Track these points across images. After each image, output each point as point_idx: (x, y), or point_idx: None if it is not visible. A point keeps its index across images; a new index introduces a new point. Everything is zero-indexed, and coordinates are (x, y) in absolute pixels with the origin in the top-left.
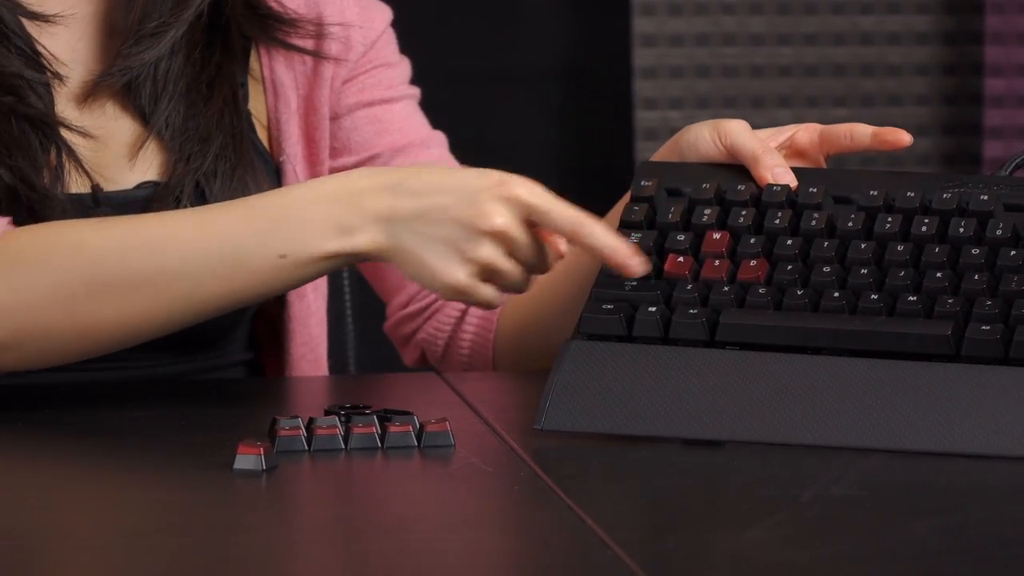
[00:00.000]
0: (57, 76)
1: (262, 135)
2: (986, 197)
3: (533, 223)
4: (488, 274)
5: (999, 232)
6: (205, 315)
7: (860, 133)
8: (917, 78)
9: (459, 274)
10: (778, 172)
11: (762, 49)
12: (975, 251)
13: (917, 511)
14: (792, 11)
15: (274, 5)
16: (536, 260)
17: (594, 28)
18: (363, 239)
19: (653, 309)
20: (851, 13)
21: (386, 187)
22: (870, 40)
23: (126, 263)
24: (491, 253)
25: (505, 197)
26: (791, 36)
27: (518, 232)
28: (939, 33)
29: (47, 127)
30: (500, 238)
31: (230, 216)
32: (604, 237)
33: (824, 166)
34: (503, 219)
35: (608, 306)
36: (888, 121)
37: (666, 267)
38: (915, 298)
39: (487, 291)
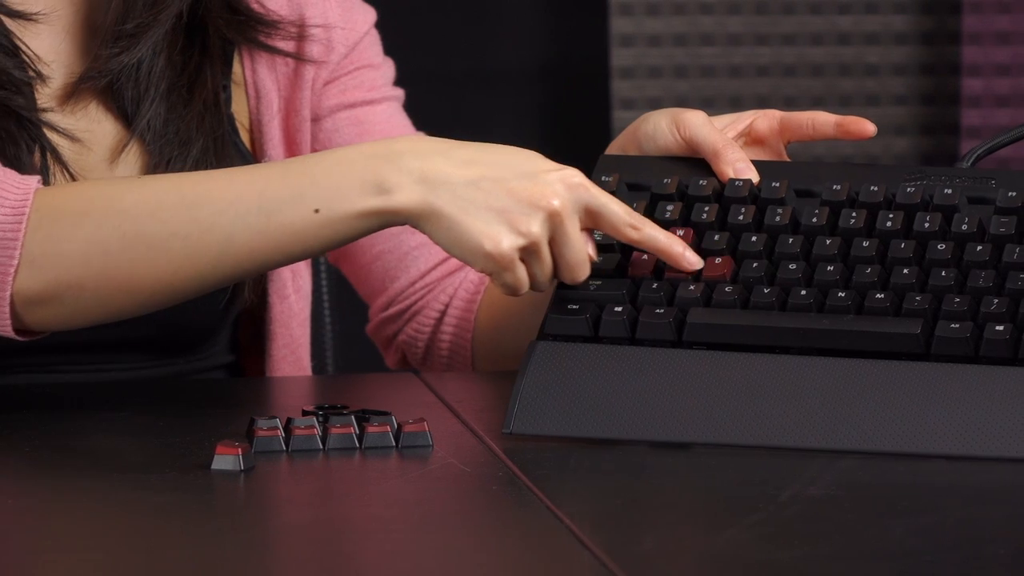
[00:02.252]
0: (39, 76)
1: (245, 138)
2: (950, 191)
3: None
4: (527, 255)
5: (964, 227)
6: (239, 273)
7: (822, 122)
8: (895, 78)
9: (504, 243)
10: (739, 167)
11: (740, 49)
12: (941, 246)
13: (894, 511)
14: (770, 11)
15: (255, 7)
16: (574, 257)
17: (572, 28)
18: (401, 197)
19: (619, 309)
20: (829, 13)
21: (432, 151)
22: (848, 40)
23: (159, 217)
24: (541, 232)
25: (567, 182)
26: (769, 36)
27: (571, 219)
28: (917, 33)
29: (32, 126)
30: (554, 220)
31: (267, 171)
32: (659, 233)
33: (784, 154)
34: (561, 201)
35: (573, 306)
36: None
37: (630, 265)
38: (883, 295)
39: (521, 272)
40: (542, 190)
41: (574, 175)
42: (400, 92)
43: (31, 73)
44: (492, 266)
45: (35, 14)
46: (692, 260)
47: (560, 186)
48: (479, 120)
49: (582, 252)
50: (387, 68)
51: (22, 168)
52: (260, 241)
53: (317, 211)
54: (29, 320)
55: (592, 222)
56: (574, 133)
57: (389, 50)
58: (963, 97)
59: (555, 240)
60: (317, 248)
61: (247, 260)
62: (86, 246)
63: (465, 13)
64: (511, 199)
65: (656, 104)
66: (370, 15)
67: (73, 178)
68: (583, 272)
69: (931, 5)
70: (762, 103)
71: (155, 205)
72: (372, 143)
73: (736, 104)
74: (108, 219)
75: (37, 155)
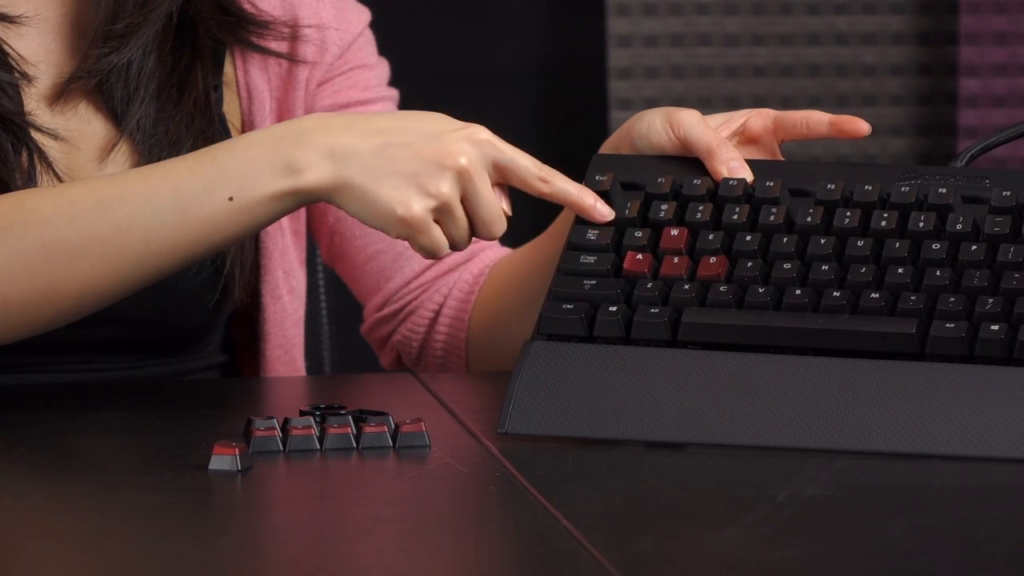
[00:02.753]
0: (25, 77)
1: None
2: (944, 190)
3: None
4: (440, 216)
5: (959, 226)
6: (162, 270)
7: (816, 121)
8: (892, 78)
9: (415, 206)
10: (733, 166)
11: (737, 49)
12: (936, 246)
13: (891, 511)
14: (767, 11)
15: (247, 7)
16: (488, 213)
17: (569, 28)
18: (311, 176)
19: (614, 309)
20: (826, 13)
21: (338, 126)
22: (845, 40)
23: (78, 223)
24: (451, 191)
25: (472, 139)
26: (766, 36)
27: (480, 175)
28: (914, 33)
29: (18, 128)
30: (463, 177)
31: (178, 166)
32: (570, 185)
33: (778, 153)
34: (468, 159)
35: (568, 306)
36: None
37: (625, 264)
38: (878, 295)
39: (437, 233)
40: (448, 149)
41: (480, 131)
42: (395, 92)
43: (16, 75)
44: (406, 230)
45: (20, 16)
46: (603, 211)
47: (466, 144)
48: (475, 120)
49: (495, 208)
50: (381, 68)
51: (9, 170)
52: (179, 236)
53: (231, 199)
54: None
55: (501, 177)
56: (571, 133)
57: (385, 50)
58: (960, 97)
59: (467, 198)
60: (238, 235)
61: (169, 255)
62: (7, 261)
63: (461, 13)
64: (418, 162)
65: (653, 104)
66: (364, 15)
67: (60, 179)
68: (499, 228)
69: (928, 5)
70: (759, 103)
71: (72, 212)
72: (281, 124)
73: (733, 104)
74: (28, 231)
75: (24, 157)
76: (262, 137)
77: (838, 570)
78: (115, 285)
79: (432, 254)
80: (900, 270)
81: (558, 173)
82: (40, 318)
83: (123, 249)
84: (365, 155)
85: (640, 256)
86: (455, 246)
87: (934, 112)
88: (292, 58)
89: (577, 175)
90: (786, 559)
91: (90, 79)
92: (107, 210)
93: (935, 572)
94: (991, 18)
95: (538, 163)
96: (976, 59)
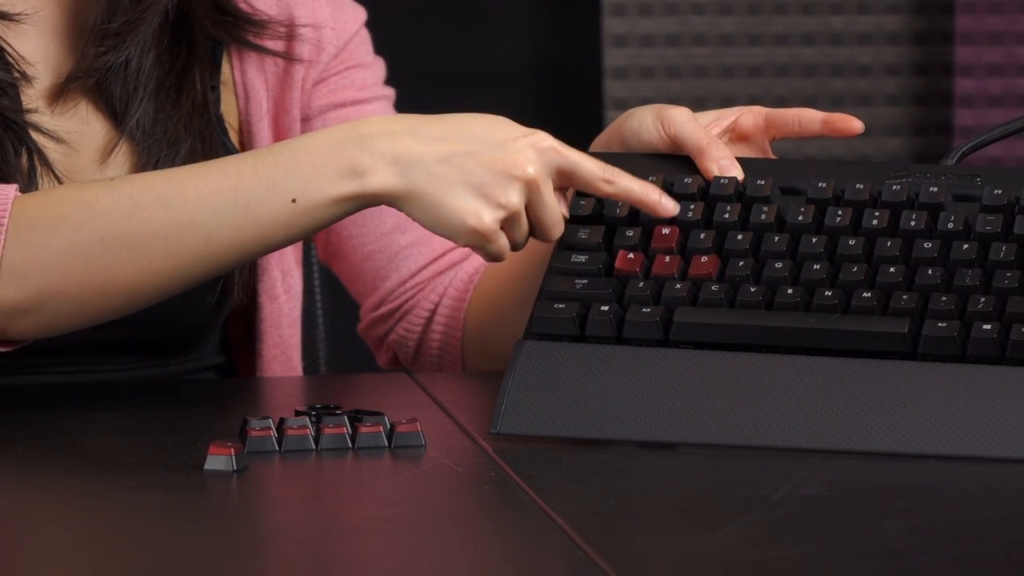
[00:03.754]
0: (24, 76)
1: (234, 138)
2: (936, 188)
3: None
4: (506, 223)
5: (951, 225)
6: (219, 268)
7: (809, 119)
8: (888, 78)
9: (487, 217)
10: (724, 164)
11: (733, 49)
12: (927, 244)
13: (887, 511)
14: (762, 11)
15: (243, 7)
16: (550, 218)
17: (565, 28)
18: (376, 180)
19: (606, 308)
20: (821, 13)
21: (400, 131)
22: (840, 40)
23: (137, 218)
24: (519, 201)
25: (537, 147)
26: (761, 36)
27: (546, 183)
28: (909, 33)
29: (18, 128)
30: (530, 187)
31: (240, 165)
32: (634, 184)
33: (769, 151)
34: (535, 168)
35: (560, 305)
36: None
37: (616, 264)
38: (870, 294)
39: (503, 240)
40: (515, 159)
41: (544, 139)
42: (391, 91)
43: (15, 74)
44: (476, 240)
45: (19, 14)
46: (668, 206)
47: (532, 152)
48: None
49: (557, 213)
50: (377, 67)
51: (9, 171)
52: (239, 235)
53: (294, 201)
54: (12, 330)
55: (565, 181)
56: (567, 133)
57: (382, 50)
58: (956, 97)
59: (531, 205)
60: (296, 236)
61: (227, 254)
62: (65, 253)
63: (458, 13)
64: (486, 172)
65: (648, 104)
66: (360, 14)
67: (60, 180)
68: (559, 231)
69: (924, 5)
70: (754, 103)
71: (131, 206)
72: (339, 127)
73: (728, 104)
74: (86, 224)
75: (24, 158)
76: (324, 140)
77: (833, 570)
78: (172, 280)
79: (497, 259)
80: (892, 269)
81: (622, 172)
82: (95, 309)
83: (182, 246)
84: (431, 163)
85: (631, 255)
86: (514, 248)
87: (930, 112)
88: (288, 57)
89: None
90: (781, 559)
91: (88, 78)
92: (167, 206)
93: (930, 572)
94: (986, 18)
95: (602, 164)
96: (972, 59)
